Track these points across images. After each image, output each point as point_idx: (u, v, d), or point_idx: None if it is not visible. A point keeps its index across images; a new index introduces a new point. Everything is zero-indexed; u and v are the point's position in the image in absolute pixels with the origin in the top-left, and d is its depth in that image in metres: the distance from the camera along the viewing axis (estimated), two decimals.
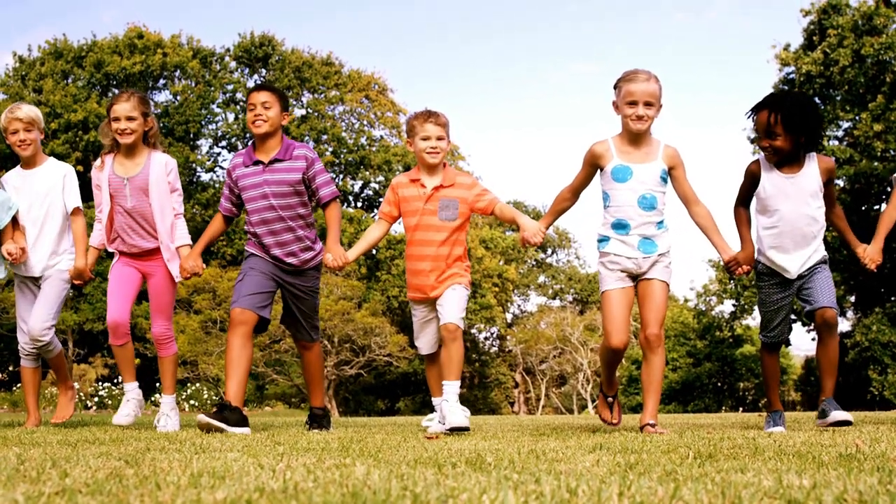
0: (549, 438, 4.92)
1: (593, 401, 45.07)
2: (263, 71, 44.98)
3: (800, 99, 5.92)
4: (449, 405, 5.87)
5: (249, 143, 6.54)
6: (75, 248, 7.00)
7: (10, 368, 35.30)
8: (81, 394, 29.40)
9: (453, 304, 6.10)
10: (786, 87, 34.56)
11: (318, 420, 6.77)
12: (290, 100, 6.52)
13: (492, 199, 6.29)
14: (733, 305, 41.57)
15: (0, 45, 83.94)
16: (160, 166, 6.69)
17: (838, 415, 5.91)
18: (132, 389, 6.78)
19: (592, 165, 5.96)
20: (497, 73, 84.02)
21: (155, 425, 6.75)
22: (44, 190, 7.01)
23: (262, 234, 6.33)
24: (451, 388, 5.94)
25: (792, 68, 34.47)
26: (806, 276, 5.99)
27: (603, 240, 5.91)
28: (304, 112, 45.08)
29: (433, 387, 6.55)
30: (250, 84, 44.52)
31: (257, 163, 6.36)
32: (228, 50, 45.22)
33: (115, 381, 29.82)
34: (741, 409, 42.99)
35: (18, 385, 29.59)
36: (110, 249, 6.79)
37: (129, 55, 41.68)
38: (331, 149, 45.11)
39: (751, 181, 6.08)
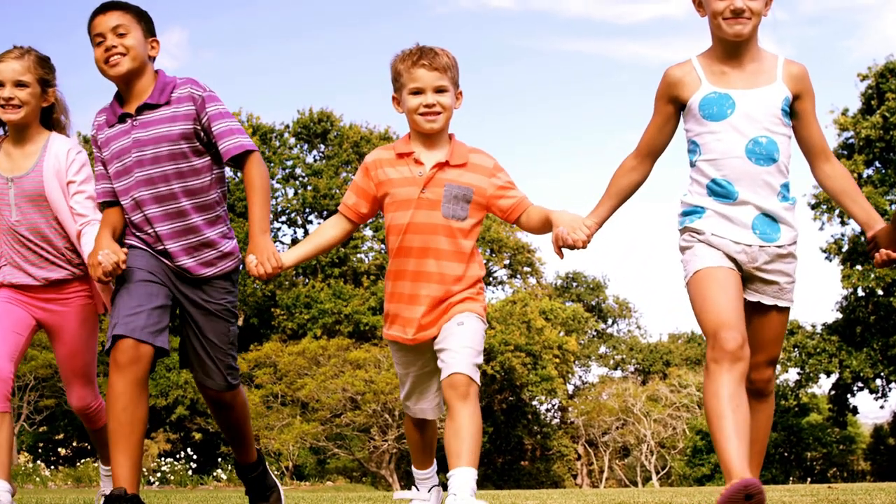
0: None
1: (657, 472, 44.33)
2: (322, 146, 45.49)
3: None
4: (458, 499, 3.85)
5: (115, 93, 4.46)
6: None
7: (75, 444, 35.57)
8: (144, 469, 29.53)
9: (464, 345, 3.97)
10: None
11: (255, 479, 4.80)
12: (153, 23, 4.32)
13: (521, 199, 4.12)
14: (798, 374, 40.83)
15: None
16: (56, 158, 4.47)
17: None
18: None
19: (670, 100, 3.82)
20: (552, 142, 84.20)
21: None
22: None
23: (137, 222, 4.29)
24: (465, 478, 3.98)
25: (851, 133, 34.23)
26: None
27: (692, 212, 3.78)
28: None
29: (421, 454, 4.59)
30: (309, 160, 45.00)
31: (124, 118, 4.30)
32: (288, 126, 45.69)
33: (177, 455, 29.89)
34: (809, 479, 41.99)
35: (83, 460, 29.80)
36: None
37: None
38: None
39: None
